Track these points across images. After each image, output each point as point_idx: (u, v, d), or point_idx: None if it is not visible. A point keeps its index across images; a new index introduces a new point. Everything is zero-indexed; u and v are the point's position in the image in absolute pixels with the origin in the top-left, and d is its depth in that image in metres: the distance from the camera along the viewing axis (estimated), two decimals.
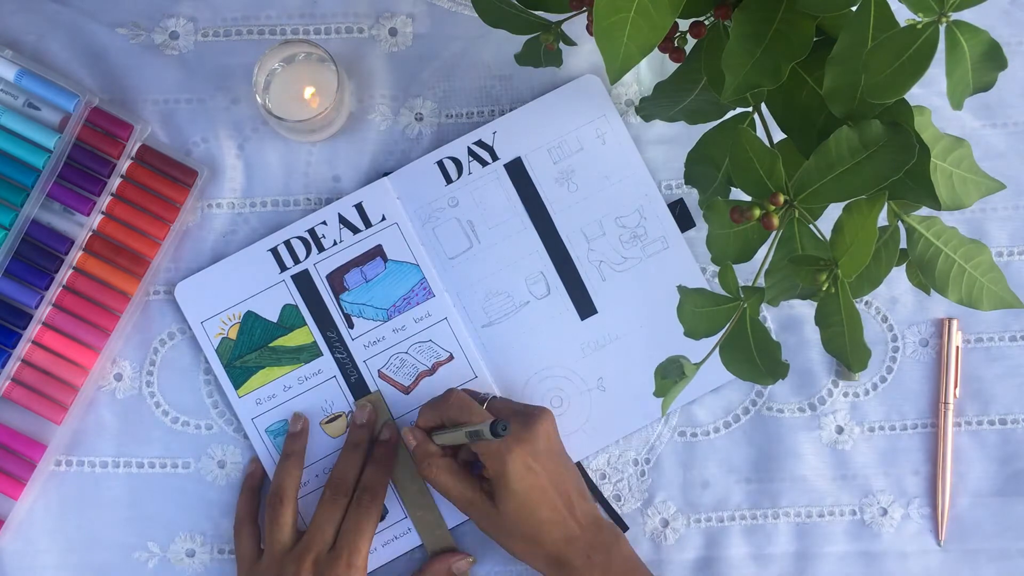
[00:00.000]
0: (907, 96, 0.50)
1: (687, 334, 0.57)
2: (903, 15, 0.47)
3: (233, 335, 0.79)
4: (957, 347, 0.79)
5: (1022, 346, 0.81)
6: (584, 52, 0.80)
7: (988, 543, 0.79)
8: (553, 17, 0.67)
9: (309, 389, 0.79)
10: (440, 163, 0.80)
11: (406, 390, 0.79)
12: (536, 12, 0.66)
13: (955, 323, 0.79)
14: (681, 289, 0.57)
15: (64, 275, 0.79)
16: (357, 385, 0.79)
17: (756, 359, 0.55)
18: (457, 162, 0.80)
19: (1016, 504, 0.80)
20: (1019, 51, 0.82)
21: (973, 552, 0.79)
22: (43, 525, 0.78)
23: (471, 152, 0.80)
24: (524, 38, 0.69)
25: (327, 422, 0.79)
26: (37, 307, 0.78)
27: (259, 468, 0.78)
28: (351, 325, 0.79)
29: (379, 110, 0.81)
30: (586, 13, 0.64)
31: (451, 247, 0.80)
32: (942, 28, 0.46)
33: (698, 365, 0.55)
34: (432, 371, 0.79)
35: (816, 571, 0.79)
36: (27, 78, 0.79)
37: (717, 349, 0.56)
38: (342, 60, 0.80)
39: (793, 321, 0.80)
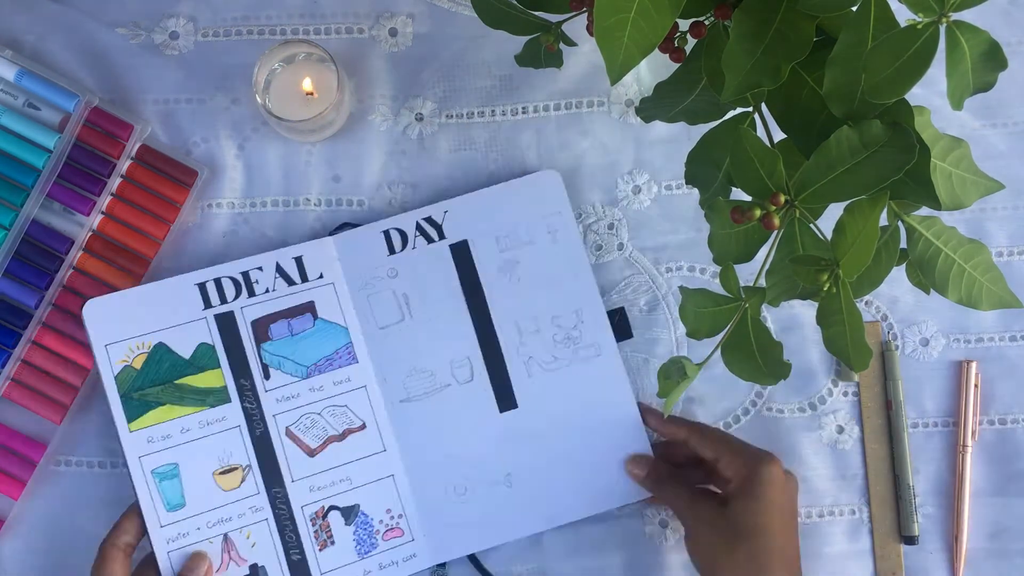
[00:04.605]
0: (907, 96, 0.50)
1: (690, 334, 0.57)
2: (903, 15, 0.47)
3: (138, 365, 0.75)
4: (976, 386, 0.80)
5: (1022, 346, 0.81)
6: (584, 52, 0.80)
7: (988, 543, 0.79)
8: (553, 18, 0.67)
9: (209, 435, 0.76)
10: (387, 232, 0.78)
11: (311, 452, 0.77)
12: (536, 13, 0.66)
13: (973, 366, 0.80)
14: (683, 290, 0.57)
15: (64, 275, 0.79)
16: (262, 439, 0.76)
17: (758, 359, 0.55)
18: (403, 234, 0.78)
19: (1016, 504, 0.80)
20: (1019, 51, 0.82)
21: (973, 552, 0.79)
22: (43, 525, 0.78)
23: (419, 227, 0.79)
24: (524, 38, 0.69)
25: (221, 473, 0.75)
26: (37, 307, 0.78)
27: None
28: (267, 376, 0.77)
29: (379, 110, 0.81)
30: (586, 14, 0.64)
31: (383, 317, 0.78)
32: (942, 28, 0.46)
33: (700, 365, 0.55)
34: (342, 437, 0.77)
35: (816, 571, 0.79)
36: (27, 78, 0.79)
37: (719, 350, 0.56)
38: (342, 60, 0.80)
39: (793, 321, 0.80)
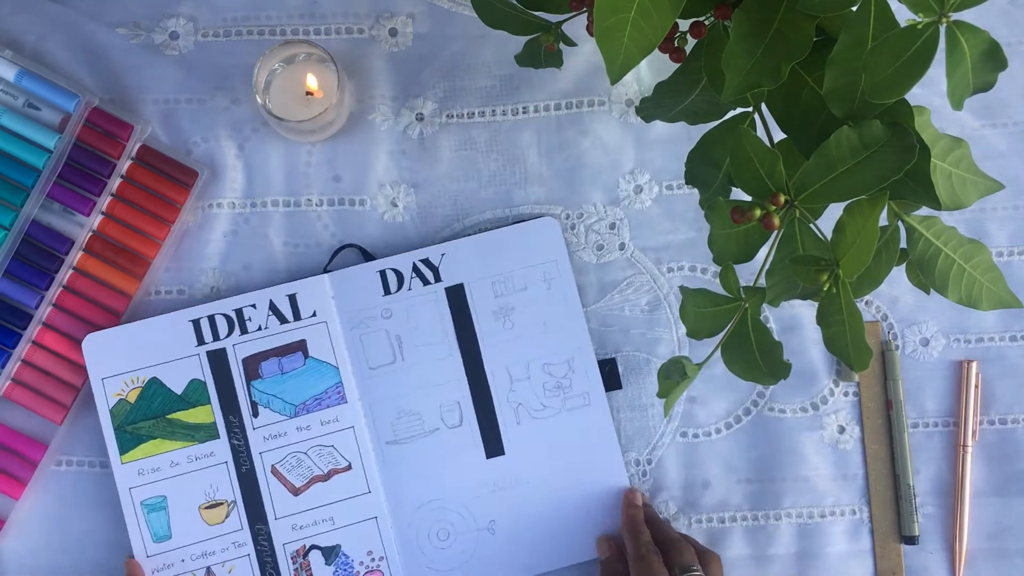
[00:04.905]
0: (907, 96, 0.50)
1: (690, 334, 0.57)
2: (903, 15, 0.47)
3: (132, 399, 0.77)
4: (977, 387, 0.80)
5: (1022, 346, 0.81)
6: (584, 52, 0.80)
7: (988, 543, 0.79)
8: (553, 18, 0.67)
9: (197, 470, 0.77)
10: (383, 272, 0.79)
11: (295, 491, 0.77)
12: (536, 13, 0.66)
13: (973, 366, 0.80)
14: (683, 289, 0.57)
15: (64, 275, 0.79)
16: (247, 476, 0.77)
17: (758, 359, 0.55)
18: (399, 275, 0.79)
19: (1016, 504, 0.80)
20: (1019, 51, 0.82)
21: (973, 552, 0.79)
22: (44, 525, 0.78)
23: (415, 268, 0.79)
24: (524, 38, 0.69)
25: (207, 507, 0.77)
26: (37, 307, 0.78)
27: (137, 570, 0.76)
28: (256, 414, 0.77)
29: (379, 110, 0.81)
30: (586, 14, 0.64)
31: (374, 358, 0.78)
32: (942, 28, 0.46)
33: (700, 365, 0.55)
34: (327, 477, 0.77)
35: (817, 571, 0.79)
36: (27, 78, 0.79)
37: (719, 350, 0.56)
38: (342, 60, 0.80)
39: (794, 321, 0.80)
